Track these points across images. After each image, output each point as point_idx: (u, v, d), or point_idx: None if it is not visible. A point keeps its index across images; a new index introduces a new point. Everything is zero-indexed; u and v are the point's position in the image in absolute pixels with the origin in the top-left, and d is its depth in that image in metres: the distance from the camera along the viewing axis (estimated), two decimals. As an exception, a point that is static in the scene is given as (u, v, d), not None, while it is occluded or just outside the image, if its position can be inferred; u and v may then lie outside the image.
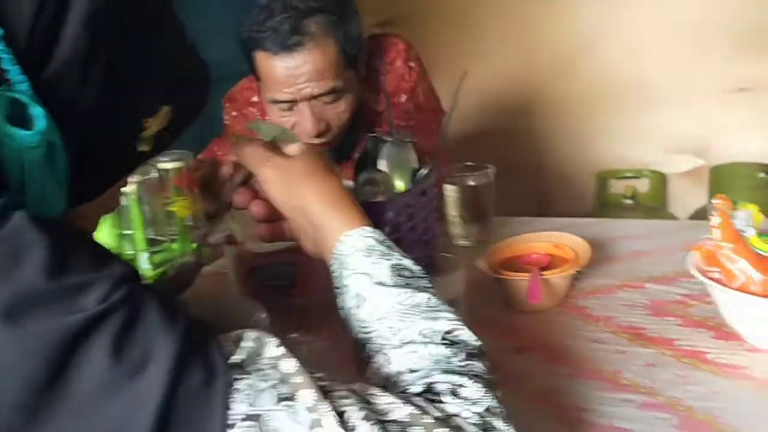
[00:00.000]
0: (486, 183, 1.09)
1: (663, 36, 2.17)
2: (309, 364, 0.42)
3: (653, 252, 0.99)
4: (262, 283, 0.87)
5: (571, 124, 2.37)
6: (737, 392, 0.63)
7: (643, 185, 2.30)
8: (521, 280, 0.81)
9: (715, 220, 0.71)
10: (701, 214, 2.17)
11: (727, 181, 2.07)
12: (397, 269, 0.54)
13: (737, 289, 0.68)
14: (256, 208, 0.64)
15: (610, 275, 0.93)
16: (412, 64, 1.34)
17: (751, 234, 0.70)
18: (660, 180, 2.25)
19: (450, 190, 1.09)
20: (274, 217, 0.63)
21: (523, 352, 0.75)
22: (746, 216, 0.71)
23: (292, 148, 0.63)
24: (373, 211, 0.79)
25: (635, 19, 2.19)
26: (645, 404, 0.63)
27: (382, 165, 0.83)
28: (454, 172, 1.10)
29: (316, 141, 1.16)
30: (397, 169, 0.84)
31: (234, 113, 1.37)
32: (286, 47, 1.09)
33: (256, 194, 0.65)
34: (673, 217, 2.25)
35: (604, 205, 2.30)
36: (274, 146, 0.63)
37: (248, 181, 0.74)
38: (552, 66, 2.35)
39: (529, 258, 0.90)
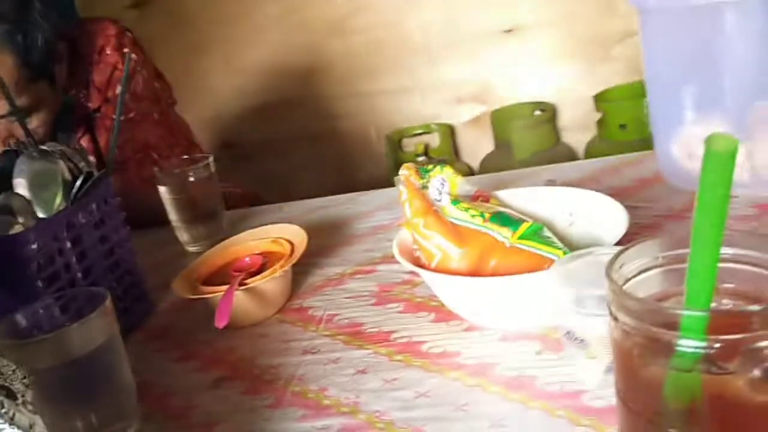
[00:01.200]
0: (206, 176, 0.95)
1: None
2: None
3: (393, 225, 0.91)
4: None
5: (359, 86, 2.29)
6: (445, 391, 0.55)
7: (434, 140, 2.28)
8: (218, 296, 0.68)
9: (402, 194, 0.61)
10: (489, 160, 2.19)
11: (505, 123, 2.09)
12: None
13: (437, 268, 0.60)
14: None
15: (346, 261, 0.83)
16: (127, 51, 1.16)
17: (445, 202, 0.62)
18: (448, 132, 2.24)
19: (165, 192, 0.93)
20: None
21: (224, 384, 0.63)
22: (439, 182, 0.63)
23: None
24: (8, 246, 0.63)
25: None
26: (344, 429, 0.53)
27: (21, 186, 0.66)
28: (167, 170, 0.95)
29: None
30: (41, 187, 0.67)
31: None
32: None
33: None
34: (467, 168, 2.26)
35: (400, 165, 2.25)
36: None
37: None
38: (330, 28, 2.24)
39: (241, 263, 0.77)
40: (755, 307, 0.30)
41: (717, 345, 0.30)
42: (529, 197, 0.71)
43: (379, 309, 0.70)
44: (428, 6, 2.12)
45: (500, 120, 2.14)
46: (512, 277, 0.54)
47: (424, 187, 0.63)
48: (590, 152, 2.08)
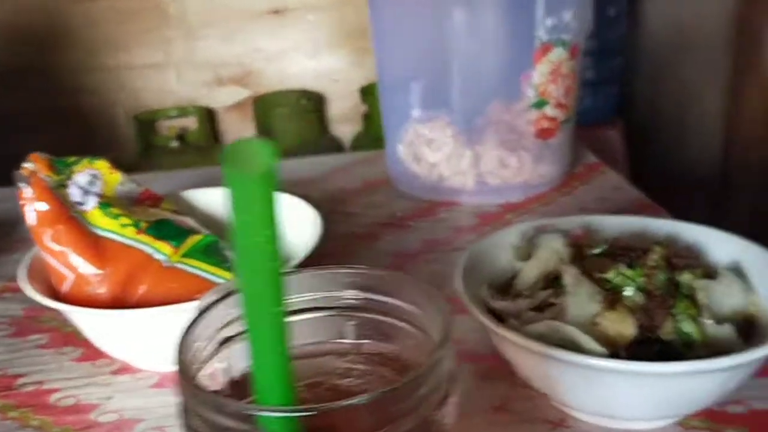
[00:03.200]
0: None
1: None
2: None
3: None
4: None
5: (104, 59, 2.01)
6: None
7: (193, 123, 2.09)
8: None
9: (25, 192, 0.46)
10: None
11: (270, 111, 1.97)
12: None
13: (68, 294, 0.46)
14: None
15: (-2, 273, 0.65)
16: None
17: (90, 206, 0.47)
18: (207, 116, 2.06)
19: None
20: None
21: None
22: (87, 180, 0.48)
23: None
24: None
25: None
26: None
27: None
28: None
29: None
30: None
31: None
32: None
33: None
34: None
35: (150, 150, 2.02)
36: None
37: None
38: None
39: None
40: (356, 400, 0.20)
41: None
42: (220, 200, 0.59)
43: (15, 342, 0.53)
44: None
45: (264, 106, 2.01)
46: (151, 309, 0.41)
47: (62, 185, 0.47)
48: (356, 146, 2.04)
